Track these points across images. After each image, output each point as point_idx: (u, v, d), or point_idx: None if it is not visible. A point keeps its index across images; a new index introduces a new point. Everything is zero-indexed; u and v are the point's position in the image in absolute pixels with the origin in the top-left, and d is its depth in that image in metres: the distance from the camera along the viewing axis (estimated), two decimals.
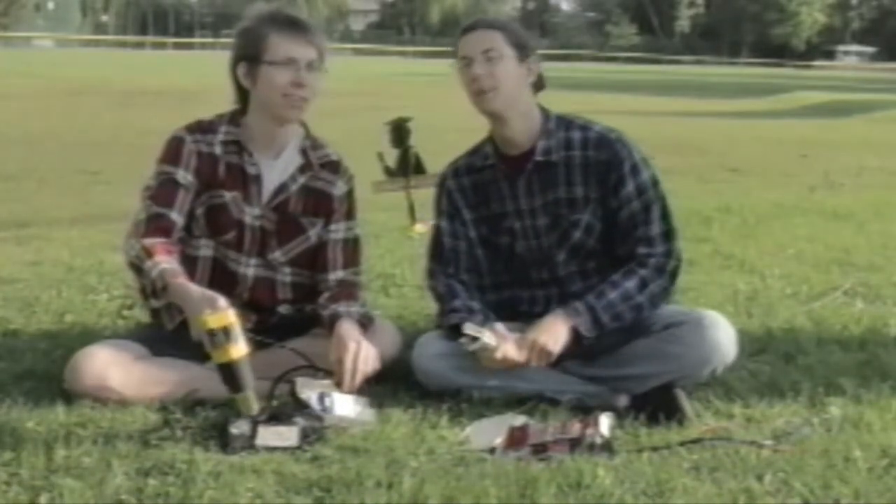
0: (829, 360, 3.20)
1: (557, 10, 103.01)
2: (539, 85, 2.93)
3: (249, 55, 2.82)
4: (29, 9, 78.98)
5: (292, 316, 2.99)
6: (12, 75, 23.72)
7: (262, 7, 2.89)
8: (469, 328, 2.71)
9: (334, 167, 2.99)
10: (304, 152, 2.95)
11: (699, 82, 33.83)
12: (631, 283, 2.82)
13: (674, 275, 2.89)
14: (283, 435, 2.42)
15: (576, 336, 2.77)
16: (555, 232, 2.90)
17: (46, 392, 2.72)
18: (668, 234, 2.89)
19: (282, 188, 2.92)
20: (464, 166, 3.01)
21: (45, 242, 5.09)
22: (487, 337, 2.71)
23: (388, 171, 5.03)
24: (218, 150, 2.88)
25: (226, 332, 2.42)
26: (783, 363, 3.19)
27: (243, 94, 2.89)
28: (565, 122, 2.93)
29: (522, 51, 2.86)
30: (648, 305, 2.84)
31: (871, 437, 2.51)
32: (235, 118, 2.92)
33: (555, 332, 2.76)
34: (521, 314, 2.96)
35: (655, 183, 2.89)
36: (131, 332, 3.09)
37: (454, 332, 2.79)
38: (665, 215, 2.89)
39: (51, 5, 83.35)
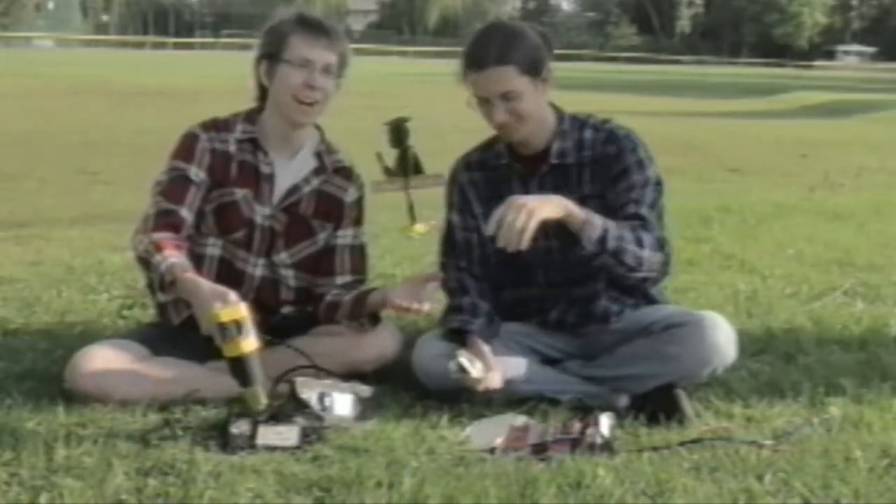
0: (829, 360, 3.20)
1: (557, 10, 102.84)
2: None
3: (271, 53, 2.84)
4: (29, 9, 78.90)
5: (294, 316, 3.00)
6: (12, 75, 23.69)
7: (292, 9, 2.90)
8: (463, 356, 2.67)
9: (346, 173, 3.00)
10: (319, 156, 2.96)
11: (699, 82, 33.84)
12: (643, 235, 2.68)
13: (666, 264, 2.75)
14: (283, 435, 2.42)
15: (569, 235, 2.62)
16: (564, 232, 2.75)
17: (46, 392, 2.72)
18: (660, 227, 2.77)
19: (294, 189, 2.93)
20: (476, 162, 2.97)
21: (45, 242, 5.09)
22: (477, 371, 2.66)
23: (387, 172, 5.01)
24: (232, 148, 2.88)
25: (238, 325, 2.44)
26: (783, 363, 3.19)
27: (263, 93, 2.90)
28: (579, 122, 2.89)
29: (535, 68, 2.75)
30: (646, 268, 2.69)
31: (871, 437, 2.51)
32: (252, 116, 2.92)
33: (554, 204, 2.58)
34: (533, 315, 2.94)
35: (658, 184, 2.82)
36: (131, 332, 3.09)
37: (455, 334, 2.79)
38: (659, 217, 2.78)
39: (51, 5, 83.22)
